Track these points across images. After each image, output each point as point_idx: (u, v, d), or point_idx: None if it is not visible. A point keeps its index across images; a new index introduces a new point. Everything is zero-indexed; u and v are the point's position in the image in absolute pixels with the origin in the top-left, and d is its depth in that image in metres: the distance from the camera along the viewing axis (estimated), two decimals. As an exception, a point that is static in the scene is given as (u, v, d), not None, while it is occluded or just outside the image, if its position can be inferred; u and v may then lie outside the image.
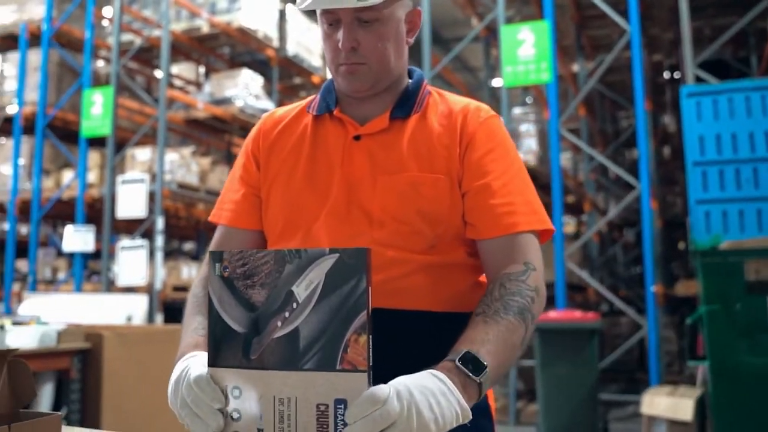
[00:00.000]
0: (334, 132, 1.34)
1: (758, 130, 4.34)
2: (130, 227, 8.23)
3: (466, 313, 1.18)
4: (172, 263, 8.15)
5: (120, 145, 8.13)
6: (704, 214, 4.35)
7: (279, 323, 0.93)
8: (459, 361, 1.02)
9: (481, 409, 1.22)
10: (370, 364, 0.90)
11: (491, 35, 8.43)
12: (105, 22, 9.09)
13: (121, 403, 3.49)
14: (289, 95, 10.52)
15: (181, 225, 9.62)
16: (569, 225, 11.64)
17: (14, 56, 8.45)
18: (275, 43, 8.78)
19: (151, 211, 7.03)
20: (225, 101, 8.15)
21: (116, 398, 3.47)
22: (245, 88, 8.23)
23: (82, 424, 3.36)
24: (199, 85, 9.90)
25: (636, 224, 9.55)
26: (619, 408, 6.45)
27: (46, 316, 3.96)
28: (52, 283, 8.80)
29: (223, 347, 0.95)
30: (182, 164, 7.84)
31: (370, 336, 0.90)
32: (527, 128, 8.22)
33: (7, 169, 8.41)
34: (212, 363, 0.96)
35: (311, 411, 0.90)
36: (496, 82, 10.01)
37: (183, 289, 7.51)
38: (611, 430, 5.53)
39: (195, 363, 1.03)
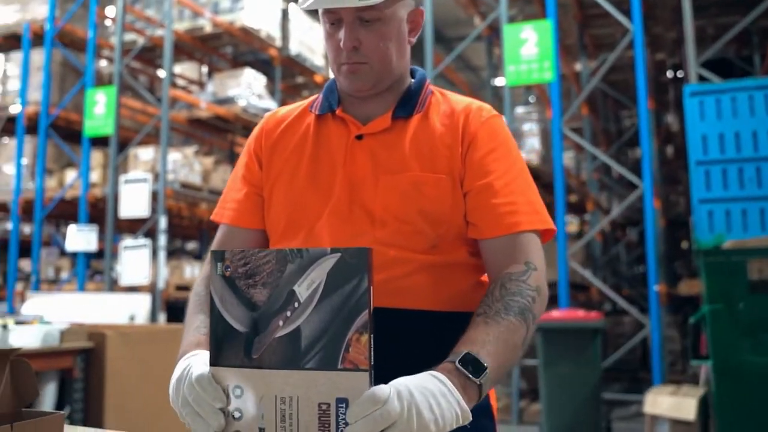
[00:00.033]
0: (337, 131, 1.34)
1: (761, 129, 4.33)
2: (133, 227, 8.25)
3: (468, 312, 1.18)
4: (175, 263, 8.17)
5: (123, 145, 8.14)
6: (707, 214, 4.34)
7: (281, 323, 0.93)
8: (459, 362, 1.02)
9: (482, 409, 1.22)
10: (372, 363, 0.90)
11: (494, 34, 8.42)
12: (108, 22, 9.10)
13: (124, 403, 3.50)
14: (292, 94, 10.52)
15: (184, 224, 9.64)
16: (572, 224, 11.64)
17: (17, 56, 8.46)
18: (278, 42, 8.78)
19: (153, 210, 7.04)
20: (228, 101, 8.16)
21: (119, 397, 3.48)
22: (248, 88, 8.24)
23: (85, 424, 3.37)
24: (202, 85, 9.91)
25: (639, 223, 9.53)
26: (622, 407, 6.45)
27: (49, 315, 3.96)
28: (55, 283, 8.82)
29: (225, 347, 0.95)
30: (185, 164, 7.86)
31: (372, 335, 0.90)
32: (530, 127, 8.21)
33: (10, 169, 8.43)
34: (214, 362, 0.96)
35: (313, 410, 0.90)
36: (499, 82, 10.00)
37: (186, 288, 7.51)
38: (614, 430, 5.53)
39: (197, 362, 1.03)
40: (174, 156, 7.71)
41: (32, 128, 8.33)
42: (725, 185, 4.34)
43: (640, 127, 5.70)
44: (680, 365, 7.14)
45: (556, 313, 4.99)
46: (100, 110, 7.54)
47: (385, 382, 0.91)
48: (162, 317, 6.82)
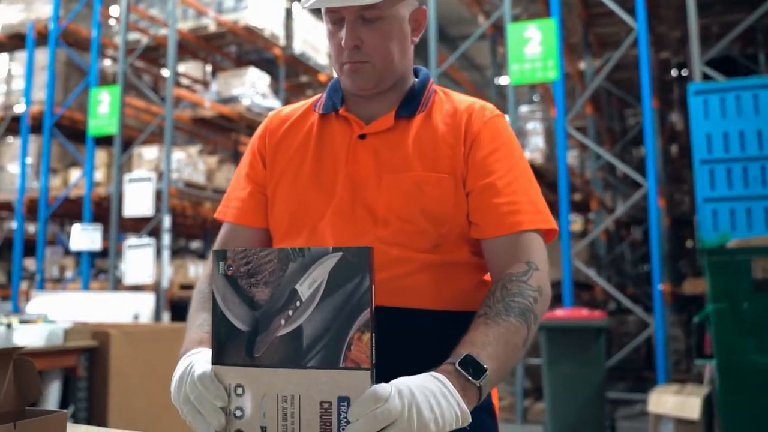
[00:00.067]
0: (340, 131, 1.34)
1: (766, 127, 4.32)
2: (137, 226, 8.27)
3: (470, 312, 1.18)
4: (179, 261, 8.18)
5: (127, 144, 8.16)
6: (712, 212, 4.33)
7: (282, 321, 0.93)
8: (459, 364, 1.02)
9: (484, 408, 1.21)
10: (373, 362, 0.90)
11: (498, 33, 8.41)
12: (112, 21, 9.12)
13: (128, 401, 3.50)
14: (296, 93, 10.53)
15: (188, 223, 9.65)
16: (576, 223, 11.61)
17: (21, 55, 8.49)
18: (282, 41, 8.80)
19: (158, 209, 7.06)
20: (232, 100, 8.17)
21: (123, 396, 3.48)
22: (252, 87, 8.25)
23: (89, 422, 3.37)
24: (205, 84, 9.93)
25: (643, 222, 9.52)
26: (626, 406, 6.44)
27: (54, 314, 3.97)
28: (59, 282, 8.84)
29: (227, 345, 0.95)
30: (189, 163, 7.87)
31: (374, 334, 0.90)
32: (534, 126, 8.20)
33: (15, 168, 8.46)
34: (216, 361, 0.96)
35: (315, 408, 0.91)
36: (503, 80, 9.99)
37: (190, 287, 7.52)
38: (618, 429, 5.52)
39: (199, 360, 1.03)
40: (178, 155, 7.72)
41: (36, 127, 8.35)
42: (730, 184, 4.33)
43: (645, 125, 5.69)
44: (684, 364, 7.12)
45: (560, 312, 4.99)
46: (104, 109, 7.56)
47: (387, 381, 0.91)
48: (166, 316, 6.84)
